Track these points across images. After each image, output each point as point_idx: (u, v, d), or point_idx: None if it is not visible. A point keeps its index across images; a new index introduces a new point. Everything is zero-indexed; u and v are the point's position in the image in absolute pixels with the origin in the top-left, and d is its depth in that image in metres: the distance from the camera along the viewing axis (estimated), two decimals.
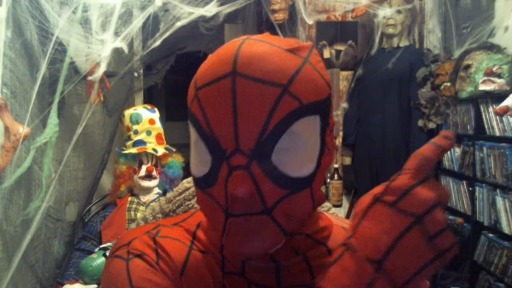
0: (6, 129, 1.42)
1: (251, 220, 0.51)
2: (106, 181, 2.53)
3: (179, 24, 2.14)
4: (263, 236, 0.52)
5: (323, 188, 1.03)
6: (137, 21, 2.04)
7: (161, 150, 2.21)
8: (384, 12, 2.82)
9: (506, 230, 2.22)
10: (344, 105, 3.10)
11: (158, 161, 2.26)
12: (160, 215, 0.90)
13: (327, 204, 1.09)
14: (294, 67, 0.53)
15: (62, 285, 1.81)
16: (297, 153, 0.53)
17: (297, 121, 0.52)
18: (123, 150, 2.24)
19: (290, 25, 2.89)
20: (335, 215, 0.72)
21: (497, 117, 2.26)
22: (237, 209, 0.51)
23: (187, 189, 0.91)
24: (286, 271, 0.58)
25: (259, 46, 0.53)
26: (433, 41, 3.07)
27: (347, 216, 3.09)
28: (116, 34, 1.91)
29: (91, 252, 1.98)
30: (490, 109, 2.34)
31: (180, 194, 0.91)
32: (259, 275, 0.58)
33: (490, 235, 2.40)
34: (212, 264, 0.59)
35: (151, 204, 2.21)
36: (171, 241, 0.60)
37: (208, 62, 0.55)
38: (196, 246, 0.61)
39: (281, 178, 0.52)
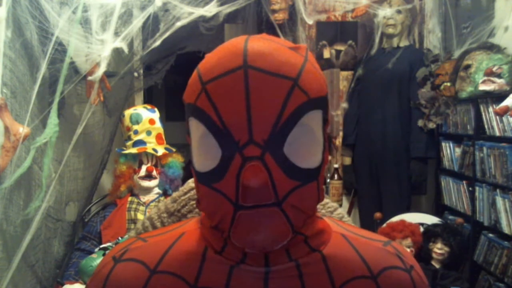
0: (6, 129, 1.42)
1: (262, 212, 0.52)
2: (106, 181, 2.53)
3: (179, 24, 2.14)
4: (272, 229, 0.52)
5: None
6: (137, 21, 2.04)
7: (161, 150, 2.21)
8: (384, 12, 2.81)
9: (506, 230, 2.22)
10: (344, 105, 3.10)
11: (158, 161, 2.26)
12: (165, 215, 0.90)
13: (333, 205, 1.08)
14: (299, 63, 0.54)
15: (62, 285, 1.81)
16: (306, 145, 0.54)
17: (306, 114, 0.53)
18: (123, 150, 2.23)
19: (290, 25, 2.88)
20: (337, 220, 0.70)
21: (497, 117, 2.26)
22: (249, 201, 0.51)
23: (193, 188, 0.90)
24: (275, 277, 0.57)
25: (264, 42, 0.54)
26: (433, 41, 3.06)
27: None
28: (116, 34, 1.91)
29: (91, 252, 1.99)
30: (490, 109, 2.34)
31: (186, 193, 0.91)
32: (246, 283, 0.57)
33: (490, 235, 2.40)
34: (178, 286, 0.58)
35: (154, 203, 2.21)
36: (131, 265, 0.61)
37: (213, 58, 0.55)
38: (164, 265, 0.60)
39: (292, 169, 0.53)
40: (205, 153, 0.54)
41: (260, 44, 0.54)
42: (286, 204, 0.53)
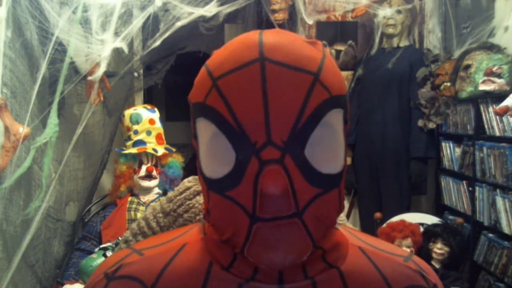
0: (6, 129, 1.42)
1: (281, 225, 0.46)
2: (106, 181, 2.53)
3: (179, 24, 2.14)
4: (292, 244, 0.47)
5: None
6: (137, 21, 2.04)
7: (161, 150, 2.21)
8: (384, 12, 2.81)
9: (506, 230, 2.22)
10: None
11: (158, 161, 2.26)
12: (161, 215, 0.90)
13: None
14: (318, 57, 0.49)
15: (62, 285, 1.81)
16: (329, 147, 0.49)
17: (328, 112, 0.48)
18: (123, 150, 2.24)
19: (290, 25, 2.88)
20: (351, 227, 0.66)
21: (497, 117, 2.26)
22: (268, 211, 0.46)
23: (188, 188, 0.91)
24: None
25: (280, 34, 0.50)
26: (433, 41, 3.06)
27: (347, 217, 3.09)
28: (116, 34, 1.91)
29: (91, 252, 1.98)
30: (490, 109, 2.34)
31: (181, 193, 0.91)
32: None
33: (490, 235, 2.40)
34: None
35: (152, 204, 2.21)
36: (126, 283, 0.55)
37: (224, 52, 0.50)
38: (163, 282, 0.54)
39: (313, 174, 0.47)
40: (217, 157, 0.49)
41: (276, 36, 0.49)
42: (307, 215, 0.47)
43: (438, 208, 2.97)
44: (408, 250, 1.97)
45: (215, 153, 0.49)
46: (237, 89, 0.47)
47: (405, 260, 0.59)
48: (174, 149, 2.31)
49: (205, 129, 0.50)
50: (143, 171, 2.20)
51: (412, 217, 2.45)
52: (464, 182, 2.63)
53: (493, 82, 2.28)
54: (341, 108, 0.50)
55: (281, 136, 0.46)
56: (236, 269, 0.52)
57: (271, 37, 0.49)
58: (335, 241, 0.56)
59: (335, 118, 0.49)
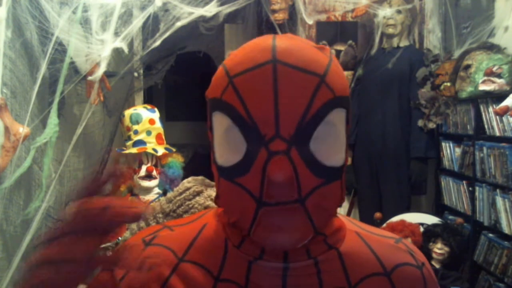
0: (6, 129, 1.42)
1: (285, 210, 0.51)
2: None
3: (179, 24, 2.14)
4: (294, 227, 0.52)
5: None
6: (137, 21, 2.04)
7: (161, 150, 2.21)
8: (384, 12, 2.82)
9: (506, 230, 2.22)
10: None
11: (158, 161, 2.26)
12: (160, 215, 0.90)
13: None
14: (325, 61, 0.54)
15: None
16: (331, 142, 0.54)
17: (331, 111, 0.53)
18: (123, 150, 2.23)
19: (290, 25, 2.89)
20: (348, 216, 0.70)
21: (497, 117, 2.26)
22: (273, 197, 0.51)
23: (188, 189, 0.91)
24: (294, 274, 0.57)
25: (292, 40, 0.55)
26: (433, 41, 3.06)
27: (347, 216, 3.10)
28: (116, 34, 1.91)
29: None
30: (490, 109, 2.34)
31: (181, 194, 0.91)
32: (264, 278, 0.57)
33: (490, 235, 2.40)
34: (203, 276, 0.58)
35: (151, 204, 2.21)
36: (161, 250, 0.61)
37: (240, 54, 0.55)
38: (190, 254, 0.60)
39: (317, 166, 0.53)
40: (230, 147, 0.54)
41: (288, 41, 0.54)
42: (309, 202, 0.52)
43: (438, 208, 2.97)
44: None
45: (228, 144, 0.54)
46: (251, 87, 0.52)
47: (396, 242, 0.65)
48: (174, 149, 2.31)
49: (220, 122, 0.55)
50: (143, 171, 2.19)
51: (412, 217, 2.45)
52: (464, 182, 2.63)
53: (493, 82, 2.28)
54: (344, 108, 0.55)
55: (288, 130, 0.51)
56: (245, 249, 0.58)
57: (283, 41, 0.54)
58: (336, 226, 0.62)
59: (337, 117, 0.54)
